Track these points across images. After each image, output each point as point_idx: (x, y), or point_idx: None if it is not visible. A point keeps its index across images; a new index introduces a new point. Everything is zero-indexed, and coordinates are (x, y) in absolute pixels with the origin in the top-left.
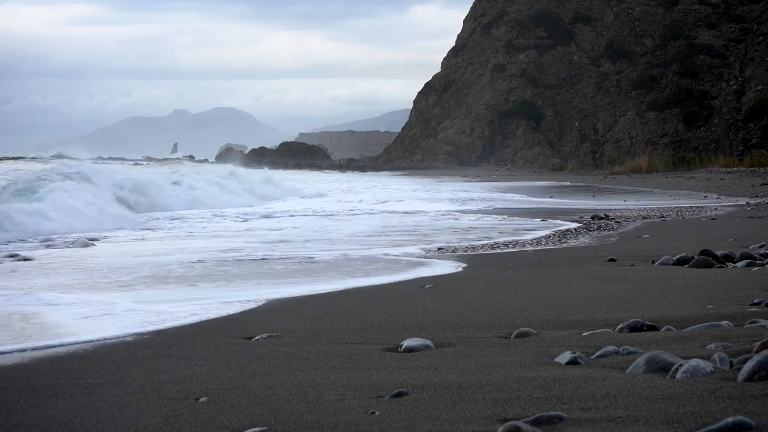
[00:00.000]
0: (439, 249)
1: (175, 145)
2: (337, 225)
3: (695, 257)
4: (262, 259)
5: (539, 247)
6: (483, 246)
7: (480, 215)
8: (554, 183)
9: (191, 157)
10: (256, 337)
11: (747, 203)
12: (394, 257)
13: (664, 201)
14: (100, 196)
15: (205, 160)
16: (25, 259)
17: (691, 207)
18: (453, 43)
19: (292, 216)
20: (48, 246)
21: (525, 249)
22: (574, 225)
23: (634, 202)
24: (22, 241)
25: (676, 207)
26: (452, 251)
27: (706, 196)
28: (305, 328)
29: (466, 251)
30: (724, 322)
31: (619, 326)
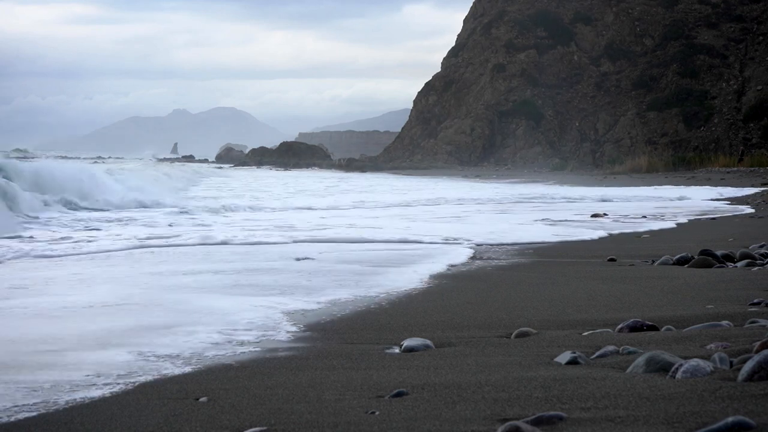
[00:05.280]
0: None
1: (175, 145)
2: None
3: (695, 257)
4: None
5: (537, 246)
6: None
7: None
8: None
9: (191, 157)
10: None
11: (746, 202)
12: None
13: None
14: None
15: (205, 160)
16: None
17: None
18: (447, 43)
19: None
20: None
21: (525, 248)
22: None
23: None
24: None
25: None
26: None
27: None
28: None
29: None
30: (724, 322)
31: (619, 326)
